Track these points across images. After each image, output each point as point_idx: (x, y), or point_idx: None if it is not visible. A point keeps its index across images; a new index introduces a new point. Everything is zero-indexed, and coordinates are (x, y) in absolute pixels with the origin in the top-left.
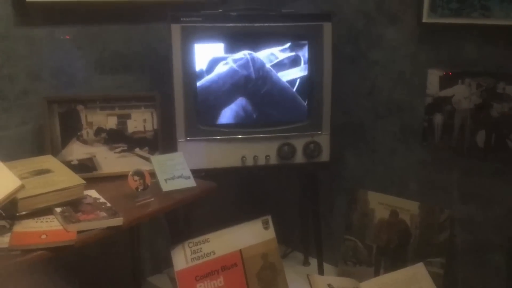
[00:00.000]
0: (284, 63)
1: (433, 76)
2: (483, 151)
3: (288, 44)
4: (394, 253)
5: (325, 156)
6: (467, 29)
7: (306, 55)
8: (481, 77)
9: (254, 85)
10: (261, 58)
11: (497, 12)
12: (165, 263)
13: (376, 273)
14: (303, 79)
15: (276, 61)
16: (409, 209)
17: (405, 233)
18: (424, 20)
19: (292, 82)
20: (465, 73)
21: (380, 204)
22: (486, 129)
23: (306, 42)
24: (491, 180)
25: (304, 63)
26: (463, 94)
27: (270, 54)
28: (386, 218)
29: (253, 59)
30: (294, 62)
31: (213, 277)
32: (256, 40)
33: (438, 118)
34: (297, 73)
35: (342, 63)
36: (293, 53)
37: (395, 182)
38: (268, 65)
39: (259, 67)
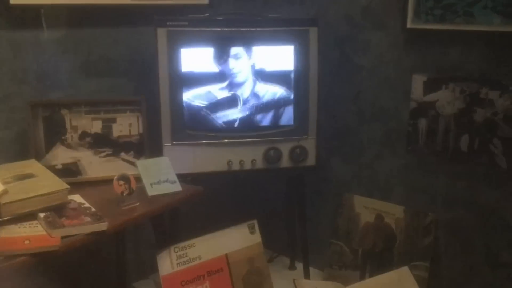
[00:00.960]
0: (270, 69)
1: (418, 81)
2: (467, 155)
3: (274, 49)
4: (379, 257)
5: (311, 160)
6: (451, 35)
7: (293, 60)
8: (465, 82)
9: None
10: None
11: (480, 18)
12: (151, 268)
13: (362, 277)
14: (289, 84)
15: (262, 66)
16: (394, 213)
17: (390, 237)
18: (409, 26)
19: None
20: (449, 79)
21: (365, 208)
22: (470, 133)
23: (292, 46)
24: (475, 184)
25: (290, 68)
26: (447, 99)
27: (256, 59)
28: (372, 222)
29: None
30: (280, 67)
31: (199, 282)
32: (242, 44)
33: (422, 123)
34: (284, 77)
35: (328, 68)
36: (278, 58)
37: (381, 186)
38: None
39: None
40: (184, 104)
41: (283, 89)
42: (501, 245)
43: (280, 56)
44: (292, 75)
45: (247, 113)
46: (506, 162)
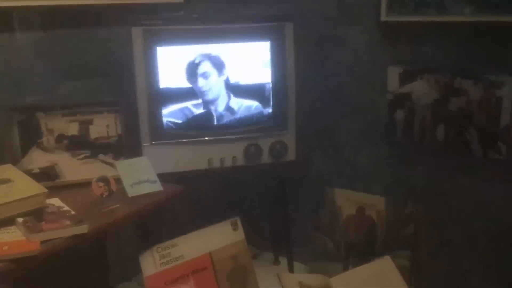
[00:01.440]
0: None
1: (393, 73)
2: (443, 144)
3: (250, 45)
4: (362, 248)
5: (291, 155)
6: (424, 26)
7: (269, 55)
8: (439, 72)
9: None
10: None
11: (452, 9)
12: (134, 270)
13: (345, 269)
14: (262, 85)
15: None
16: (375, 204)
17: (372, 228)
18: (383, 18)
19: (251, 88)
20: (423, 70)
21: (347, 201)
22: (445, 123)
23: (268, 42)
24: (452, 173)
25: (267, 63)
26: (422, 90)
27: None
28: (353, 214)
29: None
30: (256, 63)
31: (183, 281)
32: (218, 41)
33: (399, 115)
34: (265, 67)
35: (305, 64)
36: (255, 54)
37: (361, 179)
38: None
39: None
40: (162, 103)
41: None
42: (480, 232)
43: (256, 55)
44: (270, 71)
45: (226, 111)
46: (482, 150)
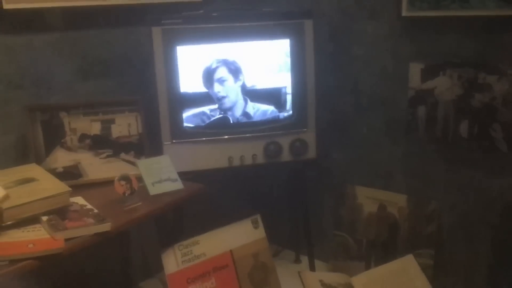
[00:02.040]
0: (266, 65)
1: (415, 69)
2: (467, 140)
3: (270, 43)
4: (384, 246)
5: (311, 153)
6: (446, 21)
7: (289, 53)
8: (462, 68)
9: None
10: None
11: (474, 3)
12: (156, 267)
13: (367, 267)
14: (278, 90)
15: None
16: (396, 202)
17: (394, 226)
18: (404, 14)
19: (267, 92)
20: (446, 65)
21: (368, 198)
22: (469, 119)
23: (288, 40)
24: (476, 170)
25: (287, 61)
26: (444, 85)
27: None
28: (375, 212)
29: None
30: (276, 62)
31: (204, 279)
32: (237, 39)
33: (421, 111)
34: (281, 71)
35: (324, 60)
36: (274, 52)
37: (382, 175)
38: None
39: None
40: (182, 102)
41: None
42: (506, 229)
43: (276, 53)
44: (289, 68)
45: (246, 110)
46: (507, 146)
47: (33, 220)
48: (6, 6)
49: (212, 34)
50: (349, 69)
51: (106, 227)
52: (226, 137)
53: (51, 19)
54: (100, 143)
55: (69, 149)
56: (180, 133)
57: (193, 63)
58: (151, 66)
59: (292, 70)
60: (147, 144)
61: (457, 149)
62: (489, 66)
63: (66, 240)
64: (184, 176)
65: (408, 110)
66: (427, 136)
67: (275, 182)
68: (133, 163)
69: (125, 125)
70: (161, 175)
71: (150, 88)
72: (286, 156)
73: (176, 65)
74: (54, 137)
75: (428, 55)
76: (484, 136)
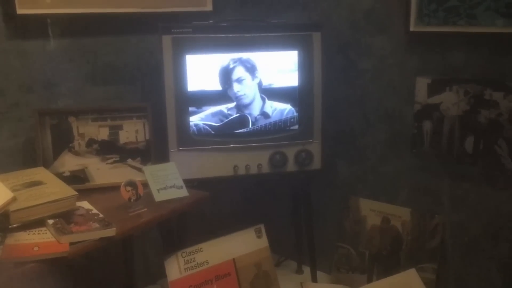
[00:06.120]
0: (277, 84)
1: (421, 84)
2: (472, 157)
3: (278, 54)
4: (386, 259)
5: (316, 164)
6: (453, 37)
7: (297, 64)
8: (469, 84)
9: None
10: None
11: (482, 19)
12: (159, 274)
13: (369, 280)
14: (294, 88)
15: (268, 82)
16: (400, 215)
17: (397, 239)
18: (412, 28)
19: (283, 91)
20: (452, 80)
21: (371, 211)
22: (475, 135)
23: (296, 51)
24: (480, 186)
25: (295, 73)
26: (451, 101)
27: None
28: (378, 225)
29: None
30: (285, 72)
31: (206, 287)
32: (246, 49)
33: (427, 125)
34: (288, 82)
35: (332, 72)
36: (282, 63)
37: (386, 189)
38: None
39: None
40: (190, 110)
41: (287, 94)
42: (509, 247)
43: (284, 64)
44: (297, 80)
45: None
46: None
47: (39, 223)
48: (20, 11)
49: (221, 44)
50: (356, 82)
51: (111, 232)
52: (232, 145)
53: (63, 25)
54: (108, 149)
55: (76, 153)
56: (186, 141)
57: (202, 71)
58: (160, 74)
59: (299, 81)
60: (154, 150)
61: (462, 164)
62: (496, 83)
63: (71, 244)
64: (189, 183)
65: (413, 124)
66: (432, 150)
67: (280, 192)
68: (139, 169)
69: (132, 131)
70: (167, 182)
71: (159, 95)
72: (291, 166)
73: (185, 73)
74: (62, 141)
75: (435, 70)
76: (489, 152)
